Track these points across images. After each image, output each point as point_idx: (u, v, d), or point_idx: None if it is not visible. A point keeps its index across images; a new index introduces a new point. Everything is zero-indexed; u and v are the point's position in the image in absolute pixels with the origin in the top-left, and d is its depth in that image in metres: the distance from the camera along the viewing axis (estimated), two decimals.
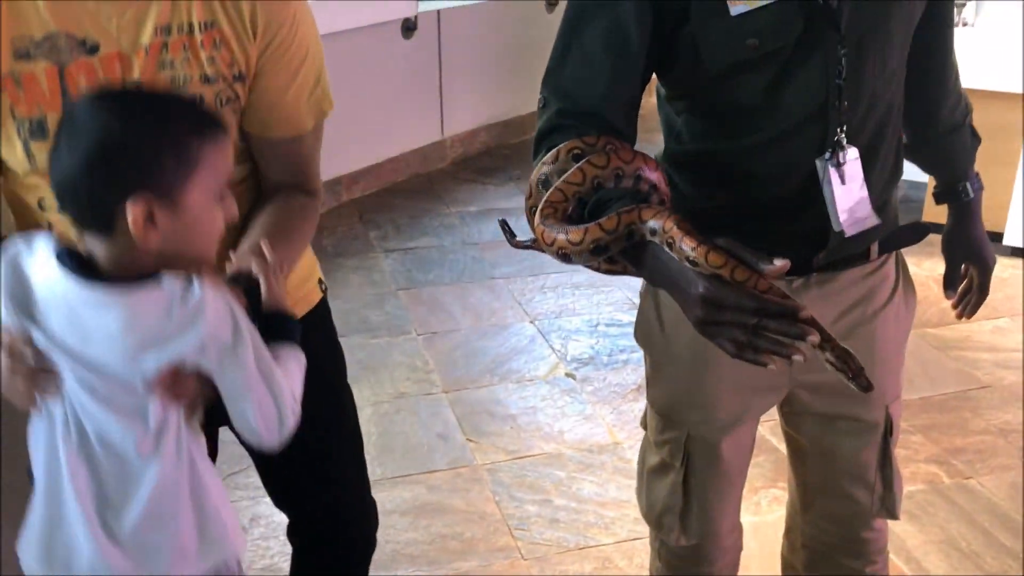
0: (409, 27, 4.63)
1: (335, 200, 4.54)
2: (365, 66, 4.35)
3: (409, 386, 3.00)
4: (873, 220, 1.25)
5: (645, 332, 1.43)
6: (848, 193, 1.21)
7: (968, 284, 1.54)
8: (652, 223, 1.01)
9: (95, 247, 0.98)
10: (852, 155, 1.21)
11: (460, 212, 4.50)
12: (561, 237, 1.03)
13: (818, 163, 1.20)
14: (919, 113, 1.40)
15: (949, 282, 1.54)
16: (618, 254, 1.06)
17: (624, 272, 1.14)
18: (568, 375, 3.08)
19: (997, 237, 4.10)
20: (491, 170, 5.08)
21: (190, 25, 1.10)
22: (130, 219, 0.93)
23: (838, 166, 1.20)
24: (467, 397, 2.94)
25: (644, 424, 1.51)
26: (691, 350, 1.34)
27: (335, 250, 4.06)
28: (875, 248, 1.34)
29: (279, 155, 1.25)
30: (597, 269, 1.14)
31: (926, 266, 3.97)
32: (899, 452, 2.66)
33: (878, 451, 1.42)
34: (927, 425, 2.80)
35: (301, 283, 1.38)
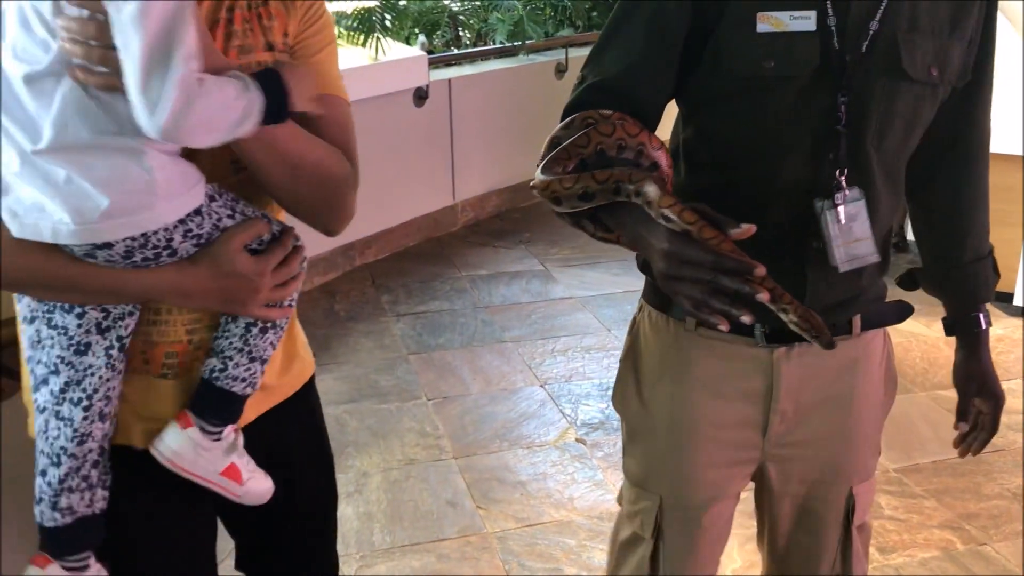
0: (421, 95, 4.73)
1: (348, 264, 4.59)
2: (379, 133, 4.43)
3: (419, 452, 3.00)
4: (874, 257, 1.26)
5: (622, 397, 1.44)
6: (847, 233, 1.24)
7: (975, 419, 1.49)
8: (637, 185, 1.09)
9: None
10: (855, 195, 1.23)
11: (471, 276, 4.54)
12: (555, 181, 1.11)
13: (816, 203, 1.23)
14: (946, 240, 1.42)
15: (962, 413, 1.50)
16: (602, 211, 1.14)
17: (617, 241, 1.20)
18: (578, 440, 3.08)
19: (1007, 297, 4.10)
20: (502, 233, 5.13)
21: (249, 3, 1.18)
22: None
23: (835, 206, 1.23)
24: (477, 463, 2.94)
25: (620, 499, 1.50)
26: (668, 419, 1.35)
27: (347, 315, 4.09)
28: (857, 322, 1.34)
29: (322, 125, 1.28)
30: (592, 234, 1.21)
31: (937, 327, 3.97)
32: (912, 518, 2.66)
33: (840, 534, 1.42)
34: (940, 490, 2.77)
35: (290, 360, 1.37)
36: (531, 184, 1.15)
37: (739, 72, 1.20)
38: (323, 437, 1.46)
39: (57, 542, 1.17)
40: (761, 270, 1.00)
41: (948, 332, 1.49)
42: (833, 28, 1.19)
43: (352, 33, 4.44)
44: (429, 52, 4.97)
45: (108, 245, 1.02)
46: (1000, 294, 4.20)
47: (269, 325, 1.18)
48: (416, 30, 5.42)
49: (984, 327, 1.46)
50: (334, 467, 1.48)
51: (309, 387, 1.41)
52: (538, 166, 1.17)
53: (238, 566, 1.48)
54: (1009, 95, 4.09)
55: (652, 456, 1.40)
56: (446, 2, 5.70)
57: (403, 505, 2.72)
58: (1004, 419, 1.51)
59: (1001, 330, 3.92)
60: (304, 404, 1.39)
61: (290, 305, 1.20)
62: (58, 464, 1.14)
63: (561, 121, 1.21)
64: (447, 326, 3.98)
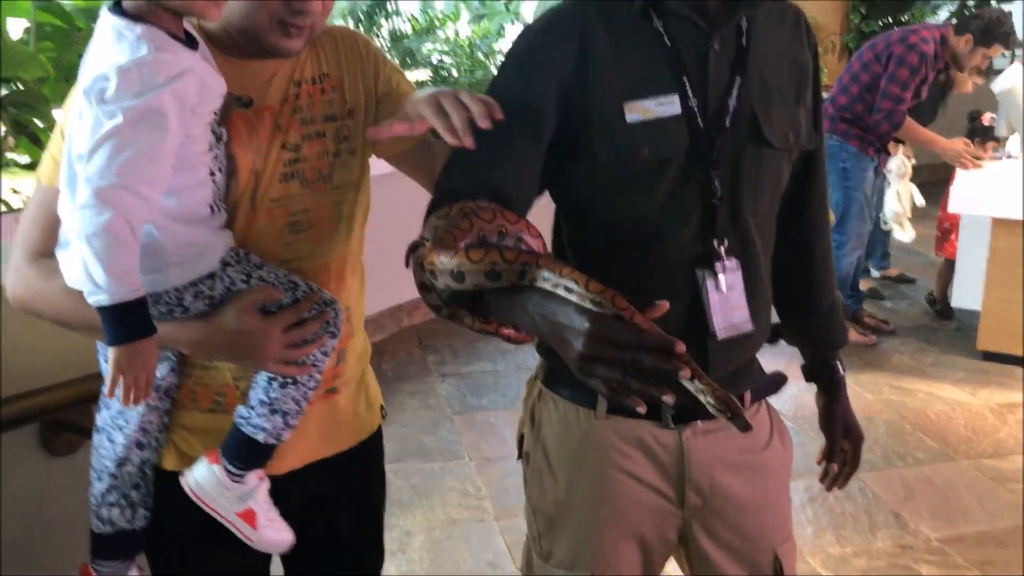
0: None
1: (396, 326, 4.70)
2: (424, 201, 4.55)
3: (461, 512, 3.05)
4: (748, 327, 1.31)
5: (540, 490, 1.42)
6: (725, 301, 1.29)
7: (843, 458, 1.58)
8: (546, 271, 1.05)
9: None
10: (732, 266, 1.29)
11: None
12: (460, 256, 1.06)
13: (697, 271, 1.29)
14: (799, 289, 1.50)
15: (831, 455, 1.58)
16: (498, 295, 1.08)
17: (495, 332, 1.17)
18: None
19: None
20: None
21: (312, 78, 1.32)
22: None
23: (715, 275, 1.28)
24: (518, 525, 2.97)
25: None
26: (590, 503, 1.36)
27: (394, 375, 4.18)
28: (748, 396, 1.40)
29: (432, 152, 1.41)
30: (471, 326, 1.17)
31: (982, 395, 3.95)
32: None
33: None
34: (984, 560, 2.75)
35: (371, 407, 1.48)
36: (427, 262, 1.10)
37: (617, 162, 1.25)
38: (375, 495, 1.54)
39: (98, 547, 1.31)
40: (681, 347, 0.97)
41: (808, 378, 1.59)
42: (696, 108, 1.25)
43: None
44: None
45: None
46: (1013, 357, 4.19)
47: (290, 381, 1.26)
48: None
49: (841, 373, 1.56)
50: (383, 526, 1.56)
51: (370, 444, 1.49)
52: (415, 251, 1.15)
53: None
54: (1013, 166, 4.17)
55: (579, 537, 1.39)
56: (495, 72, 5.86)
57: (445, 565, 2.77)
58: None
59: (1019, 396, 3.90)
60: (361, 460, 1.47)
61: (313, 365, 1.27)
62: (100, 479, 1.29)
63: (430, 208, 1.21)
64: (490, 387, 4.05)
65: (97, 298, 1.07)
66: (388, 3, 5.13)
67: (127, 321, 1.09)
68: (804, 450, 3.44)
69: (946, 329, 4.69)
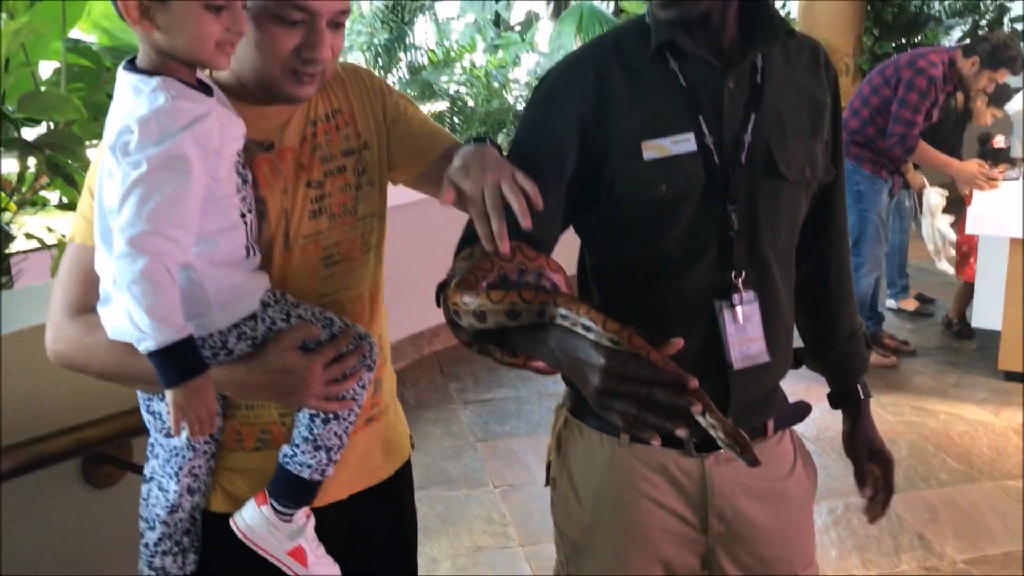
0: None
1: (417, 353, 4.75)
2: (447, 228, 4.61)
3: (486, 539, 3.08)
4: (764, 358, 1.34)
5: (567, 515, 1.45)
6: (742, 332, 1.32)
7: (875, 484, 1.57)
8: (563, 309, 1.11)
9: (139, 45, 1.15)
10: (749, 298, 1.33)
11: None
12: (481, 297, 1.12)
13: (715, 303, 1.32)
14: (819, 318, 1.53)
15: (862, 480, 1.57)
16: (517, 335, 1.15)
17: (523, 365, 1.23)
18: None
19: None
20: None
21: (325, 115, 1.36)
22: (122, 8, 1.09)
23: (732, 307, 1.31)
24: (543, 551, 3.00)
25: None
26: (615, 528, 1.39)
27: (416, 402, 4.22)
28: (771, 425, 1.42)
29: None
30: (500, 360, 1.23)
31: (1005, 415, 3.95)
32: None
33: None
34: None
35: (402, 437, 1.52)
36: (451, 302, 1.16)
37: (636, 199, 1.30)
38: (409, 523, 1.57)
39: None
40: (693, 382, 1.03)
41: (833, 405, 1.59)
42: (711, 146, 1.30)
43: None
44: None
45: None
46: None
47: (331, 416, 1.29)
48: (483, 130, 5.67)
49: (864, 397, 1.57)
50: (416, 554, 1.59)
51: (402, 473, 1.52)
52: (444, 291, 1.20)
53: None
54: None
55: (605, 562, 1.42)
56: (511, 101, 5.95)
57: None
58: None
59: None
60: (395, 489, 1.51)
61: (352, 399, 1.30)
62: (153, 528, 1.31)
63: (457, 249, 1.27)
64: (513, 414, 4.08)
65: (145, 344, 1.11)
66: (407, 36, 5.22)
67: (178, 362, 1.13)
68: (827, 472, 3.45)
69: (967, 349, 4.69)
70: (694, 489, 1.39)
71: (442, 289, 1.21)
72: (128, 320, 1.11)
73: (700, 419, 1.05)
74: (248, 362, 1.23)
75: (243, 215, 1.23)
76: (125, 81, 1.14)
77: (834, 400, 1.59)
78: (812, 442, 3.66)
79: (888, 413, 3.96)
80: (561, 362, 1.14)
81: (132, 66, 1.15)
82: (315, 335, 1.26)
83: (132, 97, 1.12)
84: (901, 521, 3.12)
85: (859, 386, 1.57)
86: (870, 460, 1.57)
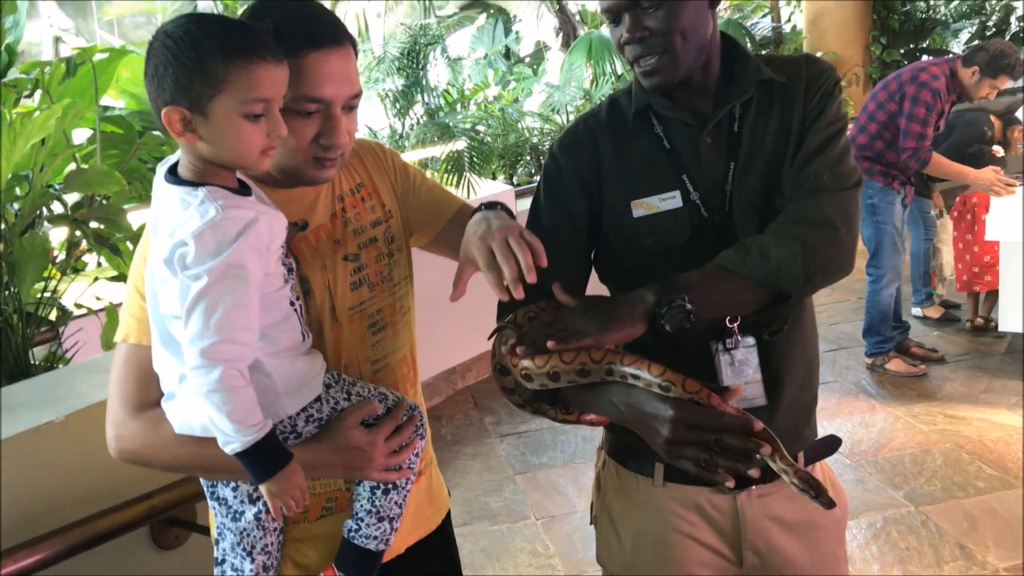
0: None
1: (451, 388, 4.83)
2: None
3: (532, 571, 3.13)
4: (760, 401, 1.38)
5: (608, 554, 1.53)
6: (739, 374, 1.37)
7: None
8: (632, 368, 1.19)
9: (181, 155, 1.20)
10: (747, 343, 1.37)
11: None
12: (554, 359, 1.20)
13: (712, 344, 1.38)
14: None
15: None
16: (578, 394, 1.23)
17: (577, 420, 1.30)
18: None
19: None
20: None
21: (350, 190, 1.42)
22: (165, 122, 1.14)
23: (727, 351, 1.37)
24: None
25: None
26: (656, 565, 1.45)
27: (453, 438, 4.30)
28: (801, 458, 1.47)
29: (463, 227, 1.45)
30: (554, 417, 1.31)
31: None
32: None
33: None
34: None
35: (442, 485, 1.60)
36: (518, 368, 1.23)
37: (627, 250, 1.39)
38: (455, 565, 1.64)
39: None
40: (759, 425, 1.10)
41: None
42: (697, 200, 1.37)
43: (446, 175, 4.80)
44: (515, 185, 5.30)
45: None
46: None
47: (391, 486, 1.35)
48: (501, 165, 5.78)
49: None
50: None
51: (447, 520, 1.60)
52: (495, 365, 1.30)
53: None
54: None
55: None
56: (526, 135, 6.06)
57: None
58: None
59: None
60: (443, 536, 1.58)
61: (409, 467, 1.37)
62: None
63: (499, 315, 1.35)
64: (549, 444, 4.15)
65: (232, 447, 1.16)
66: (422, 80, 5.34)
67: (264, 457, 1.18)
68: (864, 487, 3.50)
69: (996, 353, 4.71)
70: (728, 524, 1.45)
71: (499, 370, 1.30)
72: (211, 425, 1.16)
73: (771, 464, 1.11)
74: (316, 443, 1.28)
75: (292, 303, 1.27)
76: (170, 193, 1.18)
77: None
78: (847, 456, 3.70)
79: (921, 423, 3.99)
80: (627, 417, 1.21)
81: (174, 177, 1.19)
82: (376, 411, 1.32)
83: (180, 210, 1.15)
84: (941, 532, 3.15)
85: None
86: None
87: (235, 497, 1.31)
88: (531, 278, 1.18)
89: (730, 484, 1.12)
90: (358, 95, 1.30)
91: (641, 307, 1.25)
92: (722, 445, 1.10)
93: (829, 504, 1.13)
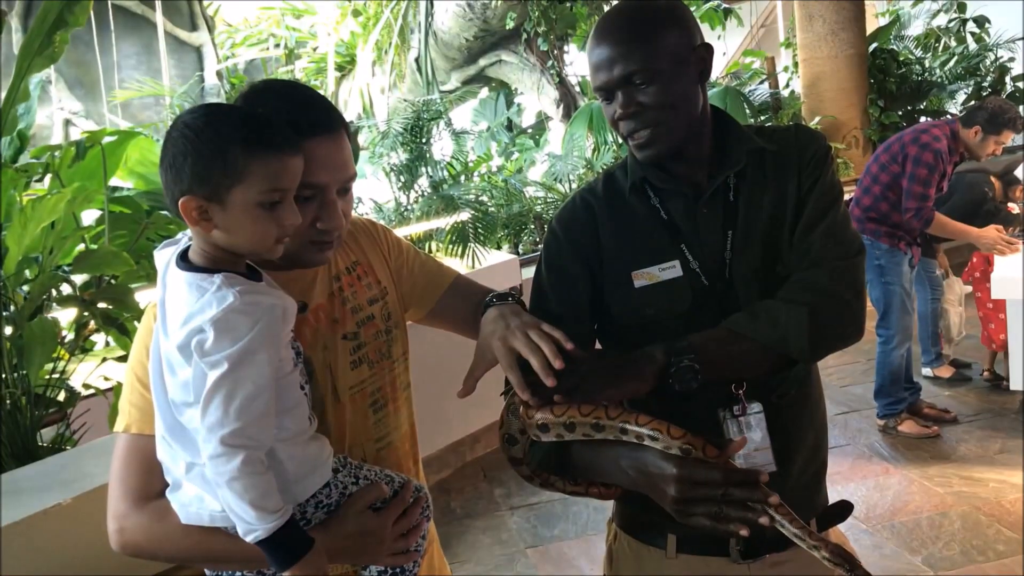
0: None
1: (459, 461, 4.78)
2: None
3: None
4: (771, 468, 1.37)
5: None
6: (747, 441, 1.36)
7: None
8: (648, 429, 1.18)
9: (193, 241, 1.20)
10: (754, 409, 1.37)
11: None
12: (572, 410, 1.21)
13: (719, 412, 1.38)
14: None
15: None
16: (586, 455, 1.23)
17: (585, 492, 1.30)
18: None
19: None
20: None
21: (346, 268, 1.43)
22: (183, 211, 1.14)
23: (734, 417, 1.37)
24: None
25: None
26: None
27: (463, 511, 4.24)
28: (814, 525, 1.45)
29: (458, 299, 1.52)
30: (563, 489, 1.30)
31: None
32: None
33: None
34: None
35: (443, 565, 1.58)
36: (535, 419, 1.24)
37: (630, 320, 1.40)
38: None
39: None
40: (764, 476, 1.11)
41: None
42: (697, 269, 1.39)
43: (451, 246, 4.84)
44: (519, 254, 5.33)
45: None
46: None
47: (399, 570, 1.34)
48: (506, 234, 5.83)
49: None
50: None
51: None
52: (503, 435, 1.31)
53: None
54: None
55: None
56: (530, 204, 6.12)
57: None
58: None
59: None
60: None
61: (416, 550, 1.35)
62: None
63: (507, 385, 1.33)
64: (560, 516, 4.09)
65: (254, 535, 1.14)
66: (426, 154, 5.43)
67: (287, 543, 1.16)
68: (880, 552, 3.44)
69: (1009, 412, 4.66)
70: None
71: (506, 439, 1.31)
72: (231, 514, 1.15)
73: (800, 543, 1.11)
74: (326, 529, 1.25)
75: (302, 387, 1.26)
76: (183, 280, 1.17)
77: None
78: (862, 521, 3.64)
79: (936, 485, 3.94)
80: (636, 480, 1.22)
81: (185, 264, 1.19)
82: (385, 494, 1.30)
83: (195, 296, 1.15)
84: None
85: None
86: None
87: None
88: (558, 364, 1.21)
89: (744, 532, 1.11)
90: (352, 177, 1.32)
91: (650, 365, 1.27)
92: (729, 499, 1.11)
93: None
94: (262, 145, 1.15)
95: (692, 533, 1.44)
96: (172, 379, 1.18)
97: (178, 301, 1.17)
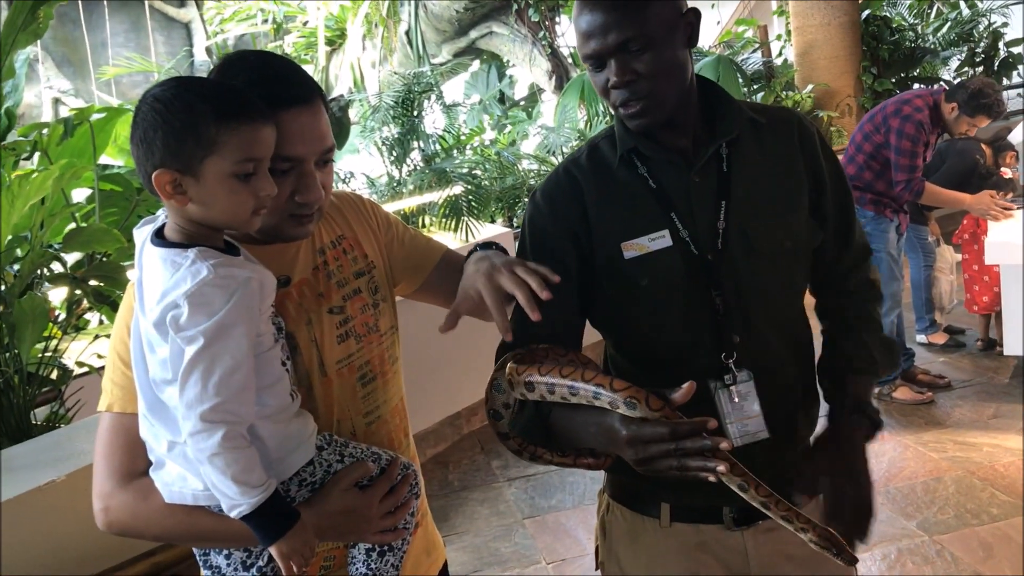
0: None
1: (456, 434, 4.80)
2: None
3: None
4: (763, 434, 1.37)
5: None
6: (739, 410, 1.37)
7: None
8: (588, 385, 1.18)
9: (168, 217, 1.19)
10: (744, 377, 1.37)
11: None
12: (554, 372, 1.21)
13: (709, 383, 1.38)
14: (841, 342, 1.56)
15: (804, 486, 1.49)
16: (563, 424, 1.23)
17: (574, 463, 1.30)
18: None
19: None
20: None
21: (331, 242, 1.42)
22: (156, 185, 1.13)
23: (726, 387, 1.37)
24: None
25: None
26: None
27: (461, 483, 4.26)
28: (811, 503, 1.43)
29: (448, 273, 1.50)
30: (550, 460, 1.30)
31: None
32: None
33: None
34: None
35: (436, 534, 1.58)
36: (523, 375, 1.23)
37: (622, 294, 1.39)
38: None
39: None
40: (713, 423, 1.10)
41: (826, 398, 1.54)
42: (687, 238, 1.37)
43: (444, 220, 4.82)
44: (513, 227, 5.32)
45: None
46: None
47: (386, 548, 1.33)
48: (499, 207, 5.81)
49: (853, 418, 1.47)
50: None
51: (444, 571, 1.58)
52: (488, 410, 1.31)
53: None
54: None
55: None
56: (523, 177, 6.10)
57: None
58: None
59: None
60: None
61: (404, 528, 1.34)
62: None
63: (497, 359, 1.35)
64: (557, 487, 4.11)
65: (238, 510, 1.14)
66: (418, 127, 5.40)
67: (272, 517, 1.16)
68: (877, 518, 3.46)
69: (1002, 378, 4.69)
70: (736, 561, 1.45)
71: (491, 409, 1.31)
72: (215, 490, 1.14)
73: (787, 525, 1.12)
74: (310, 507, 1.24)
75: (284, 363, 1.25)
76: (157, 256, 1.16)
77: (827, 394, 1.52)
78: None
79: (931, 450, 3.96)
80: (606, 445, 1.22)
81: (160, 240, 1.18)
82: (370, 472, 1.30)
83: (169, 271, 1.14)
84: (957, 560, 3.11)
85: (854, 415, 1.45)
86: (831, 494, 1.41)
87: (228, 565, 1.29)
88: (544, 295, 1.20)
89: (712, 478, 1.11)
90: (331, 149, 1.30)
91: None
92: (682, 452, 1.10)
93: (852, 561, 1.11)
94: (233, 115, 1.13)
95: (685, 502, 1.45)
96: (151, 357, 1.17)
97: (154, 278, 1.16)
